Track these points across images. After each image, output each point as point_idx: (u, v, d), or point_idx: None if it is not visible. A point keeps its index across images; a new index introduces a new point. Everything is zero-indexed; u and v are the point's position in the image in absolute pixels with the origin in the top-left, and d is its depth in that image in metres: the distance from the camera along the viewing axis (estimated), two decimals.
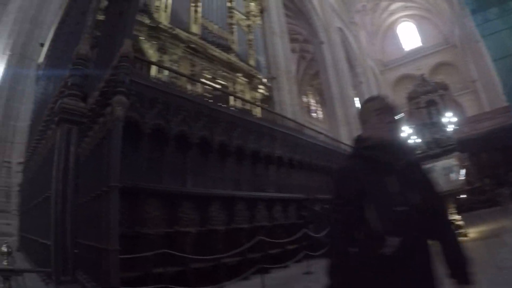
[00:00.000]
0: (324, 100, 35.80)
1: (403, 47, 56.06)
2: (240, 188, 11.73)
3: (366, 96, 38.85)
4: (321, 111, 49.41)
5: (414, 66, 50.19)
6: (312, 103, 50.50)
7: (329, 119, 31.86)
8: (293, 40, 40.77)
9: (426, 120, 23.39)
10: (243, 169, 12.10)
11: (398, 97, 45.32)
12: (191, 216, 9.01)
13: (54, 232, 2.85)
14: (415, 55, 52.18)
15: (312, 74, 45.55)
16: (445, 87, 27.48)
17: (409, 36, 56.09)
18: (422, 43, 53.58)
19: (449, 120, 20.26)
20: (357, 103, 37.17)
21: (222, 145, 11.22)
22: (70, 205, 2.91)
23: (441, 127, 20.19)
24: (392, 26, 57.52)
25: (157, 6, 15.30)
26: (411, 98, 27.08)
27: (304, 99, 48.34)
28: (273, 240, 10.17)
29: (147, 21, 14.54)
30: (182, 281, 7.59)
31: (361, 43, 44.87)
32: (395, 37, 57.22)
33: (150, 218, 8.11)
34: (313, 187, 15.71)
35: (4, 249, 3.70)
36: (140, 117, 9.17)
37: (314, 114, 49.83)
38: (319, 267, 9.11)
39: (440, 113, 22.72)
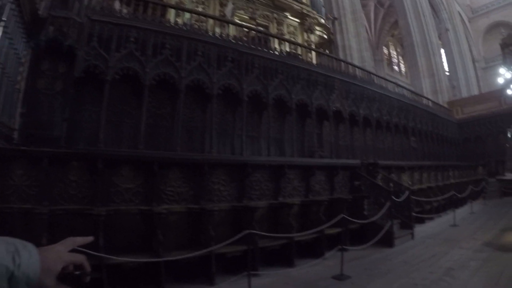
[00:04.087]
0: (405, 51, 31.67)
1: None
2: (283, 150, 9.40)
3: (454, 46, 34.68)
4: (404, 64, 44.89)
5: (509, 11, 42.90)
6: (393, 55, 46.03)
7: (410, 70, 27.97)
8: None
9: None
10: (286, 127, 9.67)
11: (490, 48, 39.89)
12: (178, 189, 6.65)
13: None
14: None
15: (392, 23, 40.88)
16: None
17: None
18: None
19: None
20: (443, 53, 32.67)
21: (255, 96, 8.90)
22: None
23: None
24: None
25: None
26: (506, 44, 22.08)
27: (385, 51, 44.12)
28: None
29: None
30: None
31: None
32: None
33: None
34: (382, 150, 12.89)
35: None
36: (141, 67, 7.38)
37: (395, 67, 45.37)
38: (362, 267, 6.50)
39: None
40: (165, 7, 10.05)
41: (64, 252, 1.00)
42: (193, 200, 6.67)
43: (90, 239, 1.13)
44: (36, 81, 6.49)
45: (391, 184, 9.67)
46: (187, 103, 8.04)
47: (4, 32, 4.81)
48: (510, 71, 14.29)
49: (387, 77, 22.63)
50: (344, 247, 6.36)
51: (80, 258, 1.02)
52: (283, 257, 6.83)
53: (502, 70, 15.15)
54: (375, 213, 8.54)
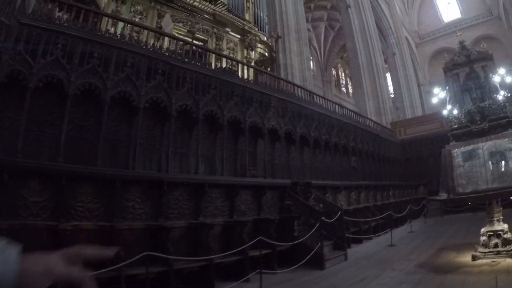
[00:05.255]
0: (351, 72, 32.47)
1: (442, 18, 50.83)
2: (214, 167, 9.10)
3: (400, 69, 35.78)
4: (351, 85, 46.18)
5: (453, 39, 44.89)
6: (341, 77, 47.28)
7: (355, 91, 28.59)
8: (320, 8, 37.60)
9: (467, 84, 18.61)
10: (218, 144, 9.41)
11: (435, 73, 41.41)
12: (89, 205, 6.30)
13: None
14: (455, 27, 46.57)
15: (341, 45, 41.94)
16: (489, 57, 23.06)
17: (448, 6, 50.57)
18: (462, 14, 48.18)
19: (503, 79, 12.85)
20: (389, 76, 33.66)
21: (184, 111, 8.58)
22: None
23: (489, 92, 14.43)
24: None
25: None
26: (448, 69, 22.91)
27: (333, 72, 45.27)
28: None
29: None
30: None
31: (395, 11, 40.50)
32: (433, 7, 51.83)
33: None
34: (320, 169, 12.83)
35: None
36: (66, 76, 6.87)
37: (343, 89, 46.56)
38: None
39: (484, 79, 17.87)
40: (100, 15, 9.65)
41: (58, 263, 0.73)
42: (105, 217, 6.31)
43: (109, 252, 0.84)
44: None
45: (321, 205, 9.52)
46: (113, 116, 7.61)
47: None
48: (443, 91, 14.40)
49: (335, 98, 22.99)
50: (269, 270, 6.13)
51: (78, 275, 0.74)
52: (203, 280, 6.51)
53: (436, 90, 15.05)
54: (306, 234, 8.35)
